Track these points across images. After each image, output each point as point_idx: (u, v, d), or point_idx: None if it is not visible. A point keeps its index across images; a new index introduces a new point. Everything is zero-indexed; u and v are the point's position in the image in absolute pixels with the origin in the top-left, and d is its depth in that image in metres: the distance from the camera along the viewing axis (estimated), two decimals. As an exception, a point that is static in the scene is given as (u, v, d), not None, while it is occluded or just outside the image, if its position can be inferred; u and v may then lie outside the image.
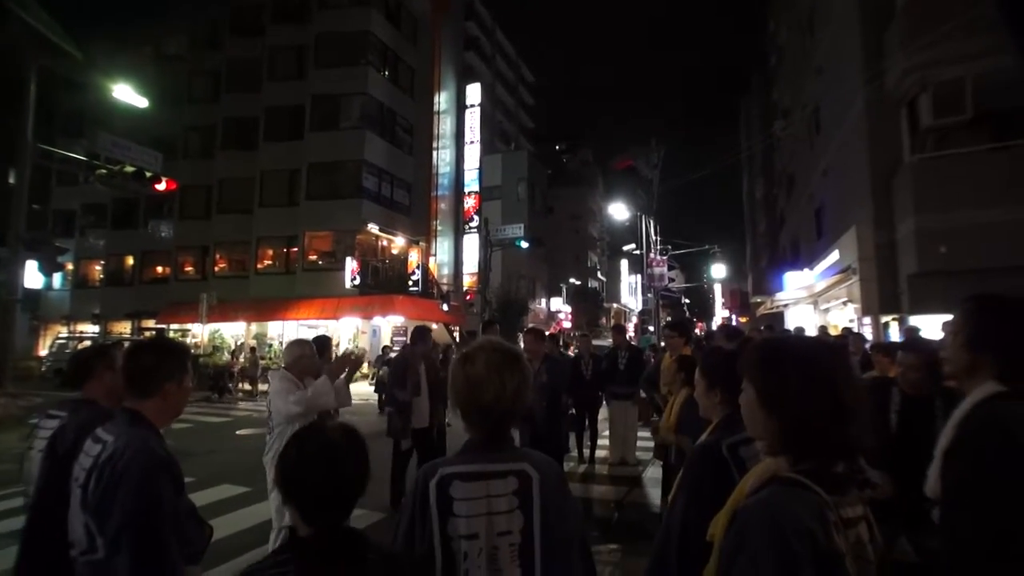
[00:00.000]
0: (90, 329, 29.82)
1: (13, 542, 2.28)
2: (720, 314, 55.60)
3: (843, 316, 14.68)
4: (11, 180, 11.64)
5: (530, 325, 33.96)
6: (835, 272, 14.25)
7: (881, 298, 12.04)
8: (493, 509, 1.41)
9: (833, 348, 1.30)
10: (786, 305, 20.85)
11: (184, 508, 1.85)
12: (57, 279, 29.71)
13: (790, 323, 19.41)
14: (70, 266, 30.21)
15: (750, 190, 44.78)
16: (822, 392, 1.14)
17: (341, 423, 1.39)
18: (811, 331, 13.48)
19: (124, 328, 29.20)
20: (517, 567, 1.40)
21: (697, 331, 19.53)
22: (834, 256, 14.65)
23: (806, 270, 18.41)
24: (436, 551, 1.38)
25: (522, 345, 6.67)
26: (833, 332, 12.34)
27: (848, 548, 1.06)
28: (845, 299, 14.40)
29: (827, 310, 17.02)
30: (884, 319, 12.04)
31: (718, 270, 34.95)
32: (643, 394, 7.52)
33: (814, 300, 17.43)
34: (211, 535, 2.05)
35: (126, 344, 2.21)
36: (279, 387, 3.93)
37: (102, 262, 31.71)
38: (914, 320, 10.54)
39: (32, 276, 12.21)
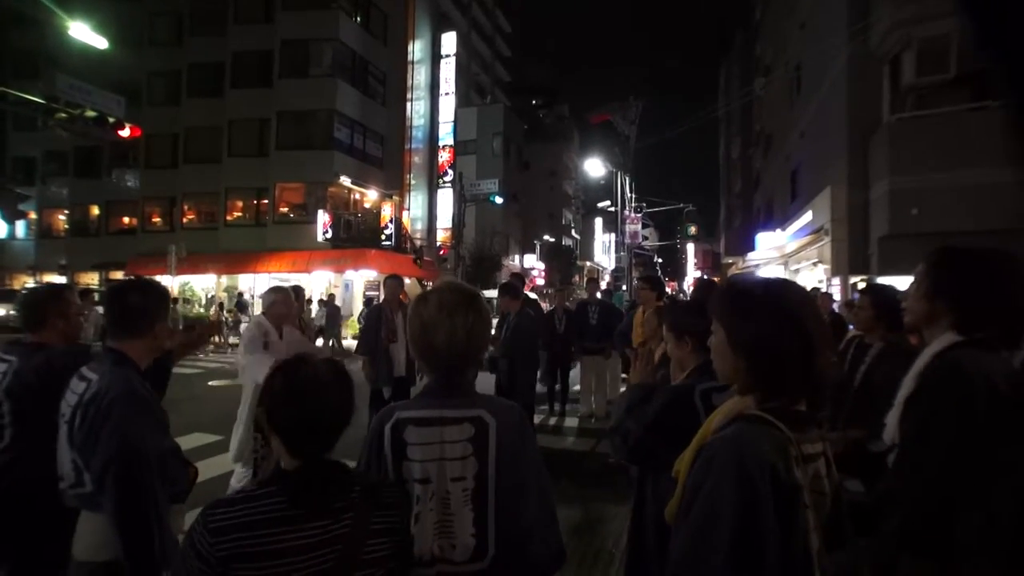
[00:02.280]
0: (57, 280, 28.82)
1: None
2: (692, 274, 56.33)
3: (813, 277, 14.91)
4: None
5: (504, 279, 34.08)
6: (807, 233, 14.41)
7: (851, 259, 12.22)
8: (446, 455, 1.40)
9: (797, 287, 1.33)
10: (757, 265, 21.13)
11: (168, 448, 1.88)
12: (20, 228, 29.01)
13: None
14: (33, 215, 29.29)
15: (727, 150, 44.84)
16: (790, 329, 1.16)
17: (326, 357, 1.36)
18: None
19: (92, 279, 28.35)
20: (469, 511, 1.39)
21: (668, 290, 19.70)
22: (807, 217, 14.78)
23: (779, 231, 18.61)
24: None
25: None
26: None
27: (807, 481, 1.11)
28: (816, 260, 14.60)
29: (797, 271, 17.28)
30: (852, 280, 12.24)
31: (693, 228, 34.99)
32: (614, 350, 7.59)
33: (785, 261, 17.68)
34: (195, 476, 2.08)
35: (77, 286, 2.09)
36: (246, 340, 4.06)
37: (66, 212, 30.66)
38: (882, 281, 10.72)
39: (-5, 225, 11.65)
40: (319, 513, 1.21)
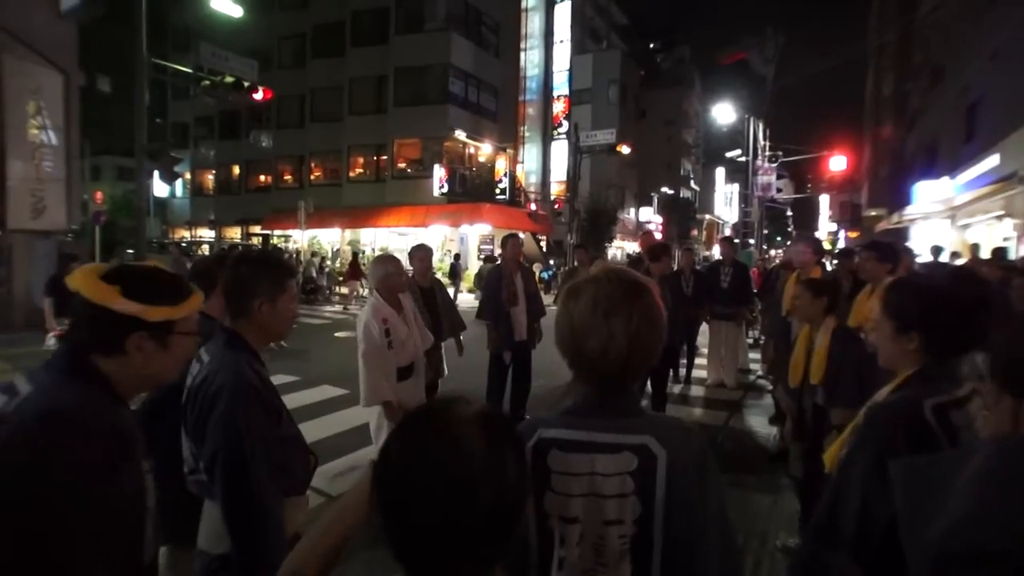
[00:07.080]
0: (207, 234, 32.99)
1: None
2: (825, 228, 51.53)
3: (993, 234, 12.70)
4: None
5: (618, 234, 32.70)
6: (990, 181, 12.16)
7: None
8: (599, 491, 1.11)
9: None
10: (913, 220, 18.60)
11: (282, 437, 1.75)
12: (178, 188, 32.67)
13: (919, 241, 17.30)
14: (188, 175, 32.57)
15: (875, 87, 39.75)
16: None
17: (484, 408, 0.81)
18: (950, 250, 11.80)
19: (235, 233, 31.78)
20: (628, 565, 1.10)
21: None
22: (992, 161, 12.43)
23: (945, 179, 16.08)
24: (530, 528, 1.13)
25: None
26: (985, 255, 10.55)
27: None
28: (1000, 212, 12.34)
29: (967, 226, 14.90)
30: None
31: (838, 162, 30.28)
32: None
33: (952, 214, 15.32)
34: (316, 464, 1.93)
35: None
36: (366, 337, 3.69)
37: (213, 171, 33.89)
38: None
39: (160, 185, 13.10)
40: None
